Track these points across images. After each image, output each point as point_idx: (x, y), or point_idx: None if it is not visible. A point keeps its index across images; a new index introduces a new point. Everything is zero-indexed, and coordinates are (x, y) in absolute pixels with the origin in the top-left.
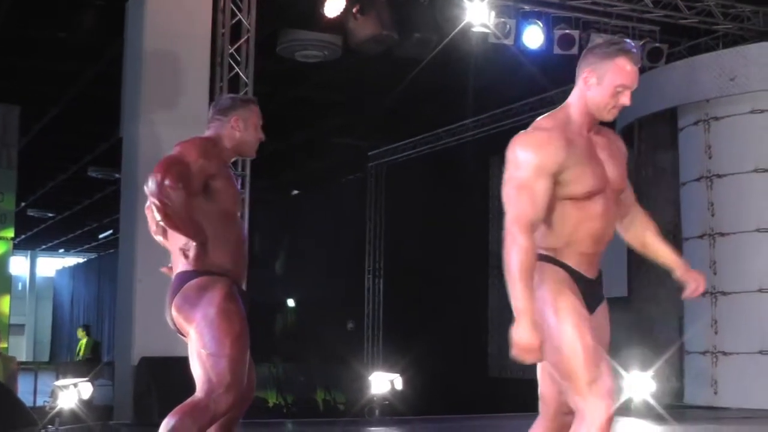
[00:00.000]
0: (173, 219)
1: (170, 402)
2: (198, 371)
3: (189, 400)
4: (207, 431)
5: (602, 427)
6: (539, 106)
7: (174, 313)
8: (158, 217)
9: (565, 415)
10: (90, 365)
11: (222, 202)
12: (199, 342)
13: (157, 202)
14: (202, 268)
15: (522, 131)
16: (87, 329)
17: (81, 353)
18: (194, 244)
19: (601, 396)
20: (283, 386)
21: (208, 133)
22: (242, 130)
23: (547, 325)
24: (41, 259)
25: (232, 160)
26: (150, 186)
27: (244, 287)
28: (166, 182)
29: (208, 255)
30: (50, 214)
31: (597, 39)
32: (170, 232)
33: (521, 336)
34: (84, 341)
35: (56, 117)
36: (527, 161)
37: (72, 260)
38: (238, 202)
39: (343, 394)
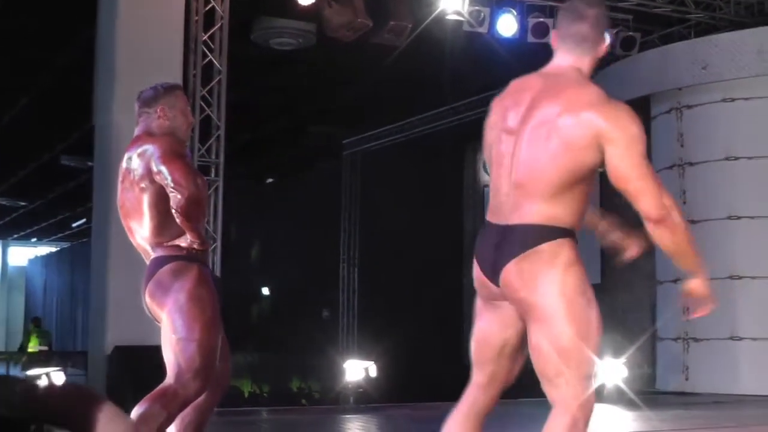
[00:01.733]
0: (194, 216)
1: (144, 391)
2: (169, 356)
3: (159, 386)
4: (186, 419)
5: (586, 425)
6: None
7: (147, 299)
8: (182, 211)
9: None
10: (51, 355)
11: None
12: (170, 327)
13: (186, 196)
14: (175, 253)
15: (614, 101)
16: (37, 321)
17: (30, 345)
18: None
19: (592, 394)
20: (257, 375)
21: (137, 130)
22: (171, 118)
23: (578, 302)
24: (13, 248)
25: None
26: (176, 179)
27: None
28: (199, 181)
29: (182, 242)
30: (22, 203)
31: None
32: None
33: (702, 288)
34: (35, 333)
35: (28, 105)
36: (642, 134)
37: (45, 249)
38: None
39: (318, 382)
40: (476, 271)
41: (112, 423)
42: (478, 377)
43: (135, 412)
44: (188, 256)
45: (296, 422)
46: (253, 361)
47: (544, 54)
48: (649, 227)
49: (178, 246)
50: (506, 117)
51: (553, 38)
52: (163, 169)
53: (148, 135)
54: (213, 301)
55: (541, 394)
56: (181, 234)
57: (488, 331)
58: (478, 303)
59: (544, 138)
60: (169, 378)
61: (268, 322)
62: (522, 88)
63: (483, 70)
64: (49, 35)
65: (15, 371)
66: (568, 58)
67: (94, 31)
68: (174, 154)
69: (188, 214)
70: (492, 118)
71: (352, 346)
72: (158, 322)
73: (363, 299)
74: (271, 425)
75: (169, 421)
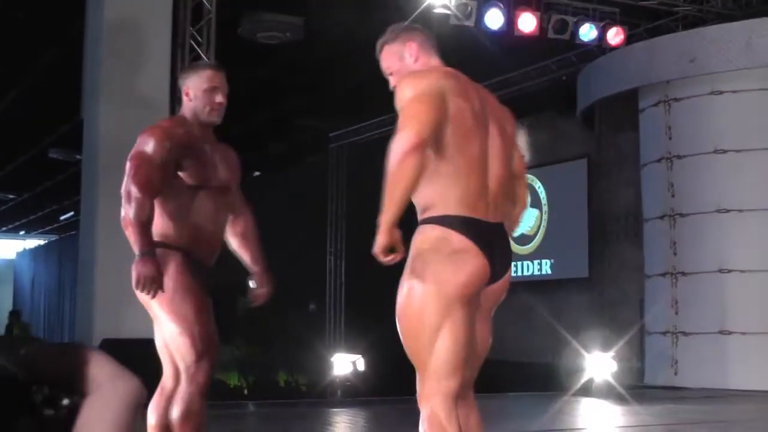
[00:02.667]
0: (129, 227)
1: None
2: (165, 351)
3: (176, 390)
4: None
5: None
6: (501, 87)
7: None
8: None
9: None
10: None
11: (190, 177)
12: (160, 325)
13: (124, 205)
14: (158, 240)
15: None
16: (17, 314)
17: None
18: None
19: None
20: (244, 368)
21: (180, 111)
22: (192, 98)
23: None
24: (1, 241)
25: (211, 127)
26: (124, 184)
27: (210, 264)
28: (134, 192)
29: (165, 229)
30: (11, 196)
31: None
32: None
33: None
34: (15, 326)
35: (16, 98)
36: None
37: (33, 242)
38: (214, 177)
39: (306, 376)
40: (484, 270)
41: (117, 381)
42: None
43: (174, 418)
44: (169, 244)
45: (283, 416)
46: (240, 355)
47: (530, 48)
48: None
49: (164, 234)
50: (473, 104)
51: (417, 49)
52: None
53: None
54: (193, 289)
55: (527, 389)
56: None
57: (476, 335)
58: (464, 310)
59: (503, 139)
60: (181, 378)
61: (254, 316)
62: (462, 79)
63: (469, 64)
64: (36, 29)
65: None
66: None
67: (82, 25)
68: (134, 155)
69: (128, 234)
70: (456, 88)
71: (339, 339)
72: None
73: (350, 292)
74: (257, 419)
75: (195, 416)
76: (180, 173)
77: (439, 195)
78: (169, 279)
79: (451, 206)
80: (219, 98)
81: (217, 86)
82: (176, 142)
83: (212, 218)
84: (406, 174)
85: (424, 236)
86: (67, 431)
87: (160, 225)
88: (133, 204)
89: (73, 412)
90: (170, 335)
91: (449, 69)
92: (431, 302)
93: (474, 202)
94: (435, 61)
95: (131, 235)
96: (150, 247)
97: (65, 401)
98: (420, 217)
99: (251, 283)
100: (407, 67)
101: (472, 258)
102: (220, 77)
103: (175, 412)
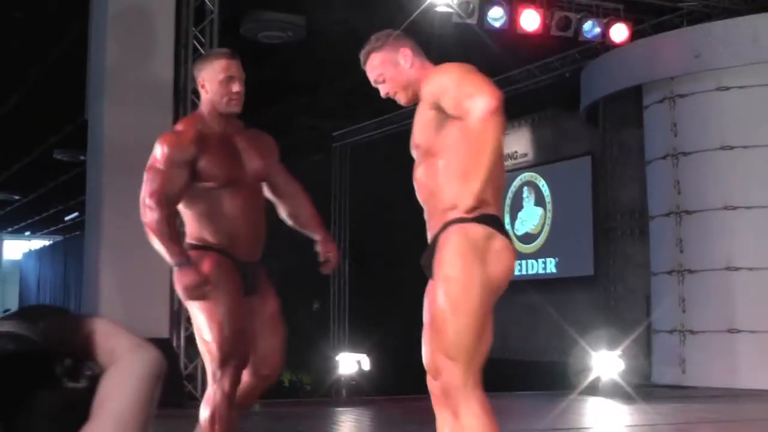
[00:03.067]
0: (153, 236)
1: None
2: (201, 351)
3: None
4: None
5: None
6: (503, 86)
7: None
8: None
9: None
10: None
11: (208, 179)
12: (194, 324)
13: (142, 216)
14: (192, 242)
15: None
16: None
17: None
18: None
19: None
20: None
21: (200, 104)
22: (208, 90)
23: None
24: (7, 242)
25: (233, 118)
26: (140, 195)
27: (253, 258)
28: (147, 201)
29: (200, 230)
30: (16, 197)
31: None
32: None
33: None
34: None
35: (20, 100)
36: None
37: (38, 243)
38: (233, 172)
39: (310, 375)
40: (513, 268)
41: (137, 352)
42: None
43: (201, 420)
44: (202, 245)
45: (289, 415)
46: None
47: (533, 45)
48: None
49: (198, 236)
50: None
51: (411, 54)
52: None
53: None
54: (226, 291)
55: (533, 388)
56: (197, 224)
57: None
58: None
59: None
60: (208, 377)
61: None
62: None
63: (472, 62)
64: (40, 29)
65: None
66: None
67: (85, 25)
68: (148, 166)
69: (153, 244)
70: None
71: (344, 338)
72: None
73: (354, 291)
74: (263, 418)
75: (220, 421)
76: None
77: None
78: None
79: (491, 206)
80: (236, 87)
81: (233, 75)
82: (185, 148)
83: (243, 213)
84: (493, 136)
85: (471, 234)
86: (88, 403)
87: (193, 227)
88: (149, 215)
89: (94, 384)
90: (199, 337)
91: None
92: (483, 295)
93: (501, 201)
94: (428, 64)
95: (159, 247)
96: (180, 257)
97: (86, 373)
98: (454, 215)
99: (319, 254)
100: (403, 73)
101: (509, 256)
102: (234, 65)
103: (202, 414)
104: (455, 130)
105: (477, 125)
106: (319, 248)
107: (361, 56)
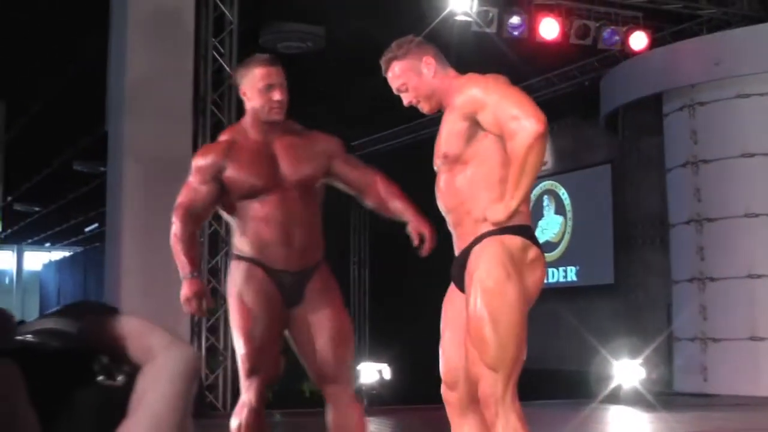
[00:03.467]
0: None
1: None
2: None
3: None
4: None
5: None
6: None
7: None
8: None
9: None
10: None
11: (235, 191)
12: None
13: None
14: (234, 252)
15: None
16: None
17: None
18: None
19: None
20: None
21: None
22: (250, 98)
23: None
24: (28, 253)
25: (280, 123)
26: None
27: (293, 267)
28: (173, 214)
29: (238, 240)
30: (36, 208)
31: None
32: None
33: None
34: None
35: (41, 111)
36: None
37: (58, 254)
38: (259, 181)
39: None
40: (545, 273)
41: (172, 350)
42: None
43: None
44: (239, 255)
45: (310, 425)
46: None
47: (552, 54)
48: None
49: (236, 246)
50: None
51: (435, 63)
52: None
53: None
54: (255, 301)
55: (554, 397)
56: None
57: None
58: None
59: None
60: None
61: None
62: None
63: (491, 71)
64: (61, 42)
65: None
66: None
67: (105, 37)
68: (180, 196)
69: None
70: None
71: (364, 348)
72: None
73: (374, 301)
74: (283, 428)
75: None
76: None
77: None
78: (234, 291)
79: (522, 216)
80: (276, 95)
81: (273, 83)
82: (211, 159)
83: (276, 222)
84: (536, 161)
85: (508, 245)
86: (125, 400)
87: (234, 237)
88: (171, 228)
89: (131, 381)
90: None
91: None
92: (523, 306)
93: (529, 211)
94: (451, 71)
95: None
96: (185, 269)
97: (124, 371)
98: (489, 227)
99: (412, 237)
100: (427, 82)
101: (542, 267)
102: (275, 72)
103: (232, 424)
104: (488, 141)
105: (522, 149)
106: (410, 230)
107: (383, 64)
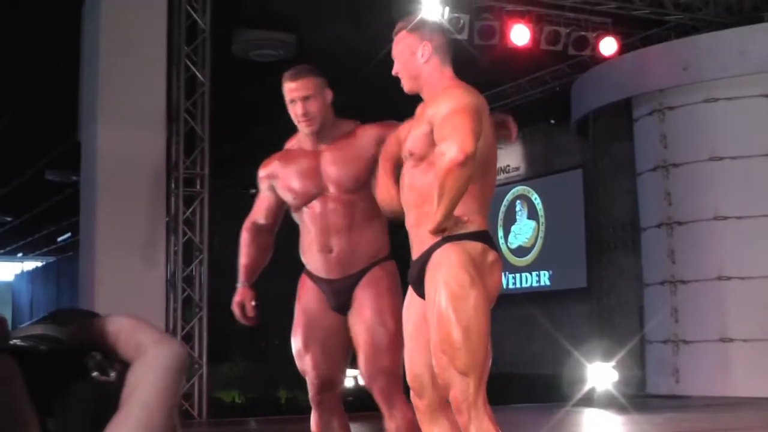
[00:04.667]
0: None
1: None
2: None
3: None
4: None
5: None
6: (495, 100)
7: None
8: None
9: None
10: None
11: (285, 200)
12: None
13: None
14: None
15: None
16: None
17: None
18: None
19: None
20: (245, 385)
21: None
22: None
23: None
24: None
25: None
26: None
27: (339, 275)
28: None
29: (300, 249)
30: (7, 218)
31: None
32: None
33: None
34: None
35: (11, 120)
36: None
37: (31, 264)
38: (301, 191)
39: (306, 393)
40: (501, 275)
41: (161, 345)
42: None
43: None
44: (302, 263)
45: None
46: (240, 372)
47: (523, 59)
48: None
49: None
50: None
51: (431, 51)
52: None
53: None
54: (301, 311)
55: (528, 400)
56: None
57: None
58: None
59: None
60: None
61: (254, 332)
62: None
63: (463, 77)
64: (31, 49)
65: None
66: None
67: (77, 44)
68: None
69: None
70: (486, 108)
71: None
72: None
73: None
74: None
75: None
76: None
77: (469, 211)
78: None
79: (481, 223)
80: (299, 109)
81: (294, 98)
82: (264, 170)
83: (318, 230)
84: (453, 186)
85: (469, 250)
86: (118, 395)
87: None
88: None
89: (123, 376)
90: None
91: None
92: (487, 310)
93: (487, 218)
94: (447, 69)
95: None
96: (239, 277)
97: (116, 367)
98: (449, 232)
99: None
100: (415, 64)
101: (499, 269)
102: (295, 86)
103: None
104: None
105: (441, 171)
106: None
107: (396, 27)
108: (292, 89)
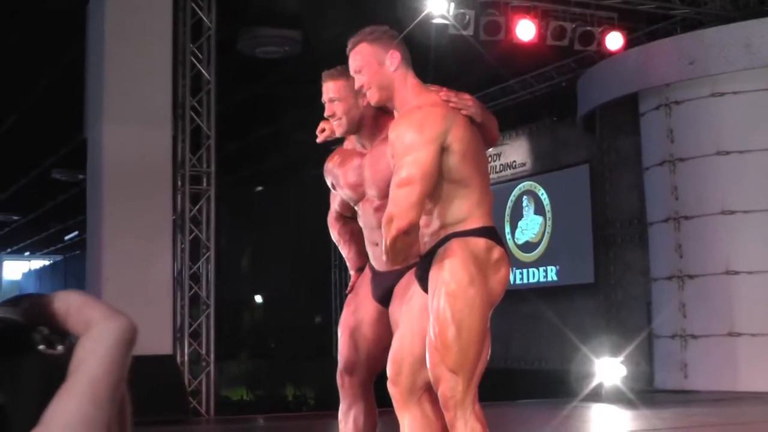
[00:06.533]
0: None
1: (141, 399)
2: None
3: None
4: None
5: None
6: (500, 96)
7: None
8: None
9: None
10: None
11: (343, 197)
12: None
13: None
14: None
15: None
16: None
17: None
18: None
19: None
20: (252, 382)
21: None
22: None
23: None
24: (7, 262)
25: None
26: None
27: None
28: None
29: None
30: (15, 217)
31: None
32: None
33: None
34: None
35: (18, 120)
36: None
37: (38, 263)
38: (350, 191)
39: (313, 389)
40: (509, 273)
41: (109, 320)
42: None
43: None
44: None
45: (292, 429)
46: (247, 369)
47: (529, 55)
48: None
49: None
50: (469, 125)
51: (400, 60)
52: None
53: None
54: (354, 293)
55: (536, 396)
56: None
57: None
58: (490, 312)
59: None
60: None
61: (260, 330)
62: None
63: (468, 73)
64: (38, 48)
65: None
66: None
67: (82, 45)
68: None
69: None
70: (456, 119)
71: None
72: None
73: None
74: None
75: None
76: None
77: (469, 208)
78: None
79: (484, 218)
80: (327, 111)
81: (325, 100)
82: (327, 172)
83: (367, 225)
84: (404, 243)
85: (472, 247)
86: (65, 368)
87: None
88: None
89: (71, 350)
90: None
91: (439, 99)
92: (485, 309)
93: (491, 213)
94: (411, 76)
95: None
96: (352, 268)
97: (65, 342)
98: (452, 229)
99: None
100: (384, 74)
101: (506, 266)
102: (326, 88)
103: None
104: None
105: (387, 228)
106: None
107: (350, 42)
108: (325, 89)
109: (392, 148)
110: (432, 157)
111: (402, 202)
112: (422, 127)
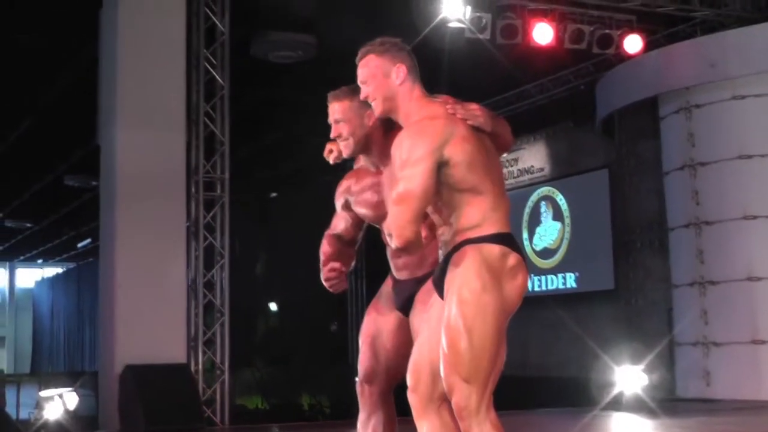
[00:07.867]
0: None
1: (156, 409)
2: None
3: None
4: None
5: None
6: (517, 100)
7: None
8: None
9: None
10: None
11: (361, 217)
12: None
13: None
14: None
15: None
16: None
17: None
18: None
19: None
20: (267, 391)
21: None
22: None
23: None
24: (20, 270)
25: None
26: None
27: (403, 276)
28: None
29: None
30: (27, 225)
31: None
32: None
33: None
34: None
35: (30, 126)
36: None
37: (51, 270)
38: (369, 211)
39: (329, 398)
40: (527, 280)
41: None
42: None
43: None
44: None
45: None
46: (262, 377)
47: (546, 59)
48: None
49: None
50: (475, 134)
51: (406, 73)
52: None
53: None
54: (375, 301)
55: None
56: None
57: None
58: (506, 320)
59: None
60: None
61: (276, 337)
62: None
63: (485, 77)
64: (51, 55)
65: (27, 393)
66: None
67: (95, 50)
68: None
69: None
70: (458, 130)
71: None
72: None
73: None
74: None
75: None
76: None
77: (483, 214)
78: None
79: (499, 224)
80: (333, 133)
81: (331, 121)
82: (341, 193)
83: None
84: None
85: (485, 253)
86: None
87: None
88: None
89: None
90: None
91: (442, 111)
92: (499, 317)
93: (507, 219)
94: (418, 89)
95: None
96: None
97: None
98: (466, 235)
99: None
100: (390, 86)
101: (523, 273)
102: (332, 108)
103: None
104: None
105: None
106: None
107: (360, 52)
108: (330, 111)
109: (393, 164)
110: (427, 173)
111: (397, 220)
112: (418, 142)
